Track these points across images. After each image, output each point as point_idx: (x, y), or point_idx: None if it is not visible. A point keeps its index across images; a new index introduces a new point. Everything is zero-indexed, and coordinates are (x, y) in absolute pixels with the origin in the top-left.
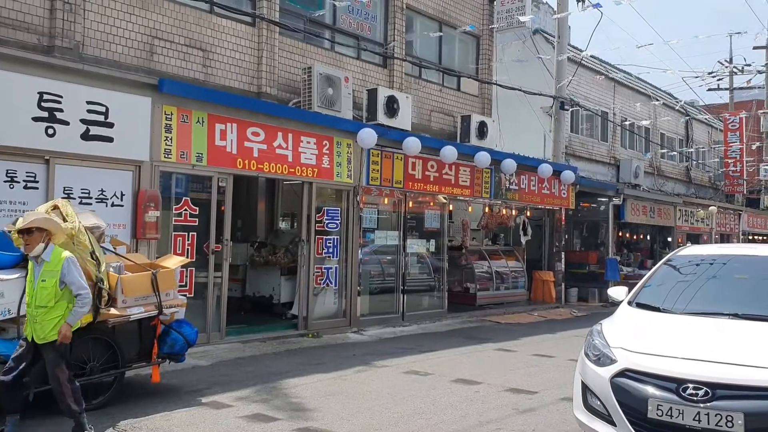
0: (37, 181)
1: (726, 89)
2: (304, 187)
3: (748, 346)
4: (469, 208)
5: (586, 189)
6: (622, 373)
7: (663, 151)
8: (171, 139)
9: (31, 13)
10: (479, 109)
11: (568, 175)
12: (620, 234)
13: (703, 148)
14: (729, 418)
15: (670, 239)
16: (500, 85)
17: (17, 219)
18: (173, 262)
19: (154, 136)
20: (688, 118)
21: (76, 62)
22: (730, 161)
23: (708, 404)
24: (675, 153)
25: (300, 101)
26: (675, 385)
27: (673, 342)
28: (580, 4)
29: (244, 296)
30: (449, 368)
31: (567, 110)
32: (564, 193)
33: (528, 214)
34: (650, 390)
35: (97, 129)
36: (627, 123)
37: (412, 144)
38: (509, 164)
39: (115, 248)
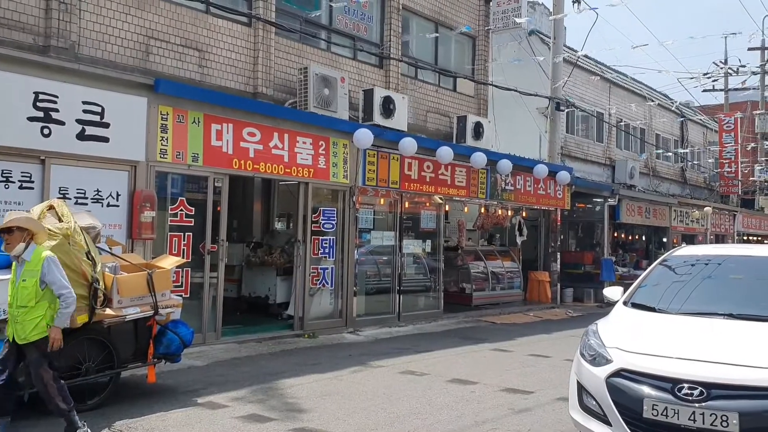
0: (33, 181)
1: (721, 90)
2: (300, 188)
3: (743, 346)
4: (465, 209)
5: (581, 189)
6: (618, 373)
7: (658, 151)
8: (167, 139)
9: (27, 12)
10: (475, 109)
11: (563, 176)
12: (615, 234)
13: (698, 148)
14: (724, 418)
15: (665, 240)
16: (496, 86)
17: None
18: (169, 262)
19: (149, 136)
20: (683, 119)
21: (72, 62)
22: (725, 162)
23: (703, 404)
24: (670, 154)
25: (296, 101)
26: (670, 384)
27: (668, 342)
28: (576, 5)
29: (240, 296)
30: (445, 368)
31: (562, 111)
32: (559, 194)
33: (524, 214)
34: (646, 390)
35: (92, 129)
36: (622, 124)
37: (408, 144)
38: (505, 165)
39: (110, 248)
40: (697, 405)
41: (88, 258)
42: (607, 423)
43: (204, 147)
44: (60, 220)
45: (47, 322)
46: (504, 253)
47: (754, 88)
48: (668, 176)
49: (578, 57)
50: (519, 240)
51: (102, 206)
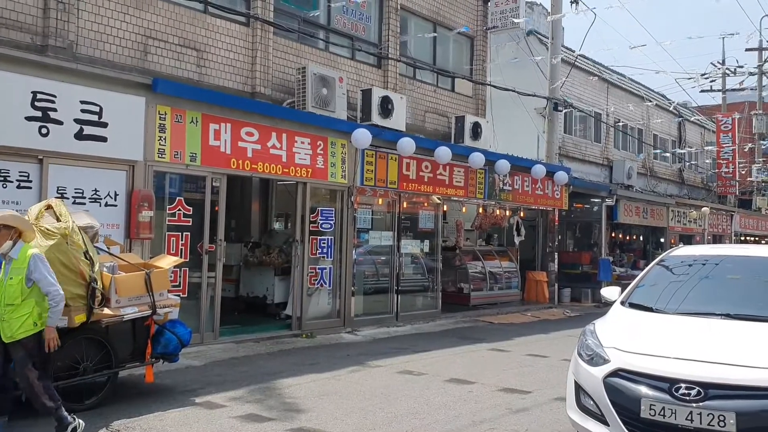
0: (31, 181)
1: (719, 91)
2: (298, 188)
3: (741, 346)
4: (463, 209)
5: (579, 190)
6: (615, 373)
7: (656, 152)
8: (165, 138)
9: (25, 12)
10: (473, 109)
11: (561, 176)
12: (613, 235)
13: (695, 149)
14: (721, 418)
15: (662, 240)
16: (494, 86)
17: None
18: (167, 262)
19: (147, 135)
20: (680, 119)
21: (70, 62)
22: (722, 162)
23: (700, 404)
24: (668, 154)
25: (294, 101)
26: (668, 384)
27: (665, 342)
28: (574, 6)
29: (238, 296)
30: (443, 368)
31: (560, 111)
32: (557, 194)
33: (521, 214)
34: (643, 390)
35: (90, 129)
36: (620, 124)
37: (407, 144)
38: (503, 165)
39: (108, 248)
40: (694, 405)
41: (86, 257)
42: (605, 423)
43: (202, 147)
44: (58, 220)
45: (34, 320)
46: (502, 253)
47: (751, 89)
48: (666, 176)
49: (576, 57)
50: (517, 240)
51: (100, 206)
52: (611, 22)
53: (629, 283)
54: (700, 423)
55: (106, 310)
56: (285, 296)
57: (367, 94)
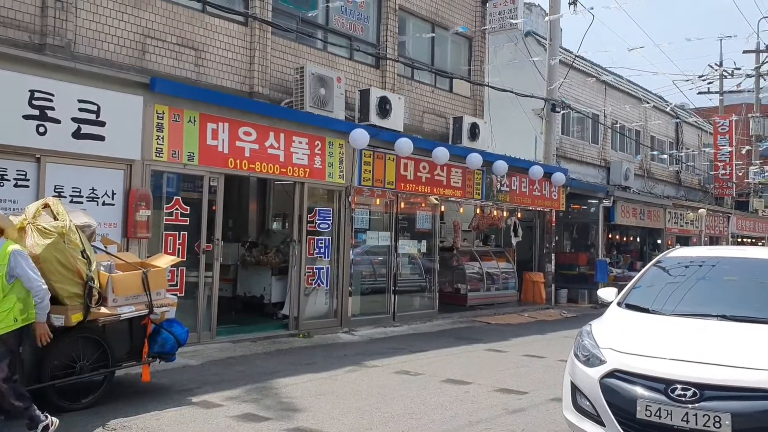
0: (28, 180)
1: (716, 93)
2: (295, 187)
3: (736, 348)
4: (461, 209)
5: (576, 191)
6: (612, 374)
7: (653, 153)
8: (162, 138)
9: (23, 10)
10: (471, 110)
11: (558, 177)
12: (610, 236)
13: (693, 151)
14: (717, 419)
15: (659, 241)
16: (492, 87)
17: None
18: (164, 261)
19: (145, 135)
20: (678, 121)
21: (68, 60)
22: (719, 164)
23: (696, 405)
24: (665, 156)
25: (292, 101)
26: (663, 385)
27: (661, 343)
28: (572, 7)
29: (235, 296)
30: (440, 368)
31: (558, 112)
32: (555, 195)
33: (519, 215)
34: (639, 390)
35: (88, 127)
36: (617, 125)
37: (405, 145)
38: (501, 166)
39: (106, 247)
40: (690, 406)
41: (83, 256)
42: (601, 423)
43: (200, 146)
44: (55, 219)
45: (15, 315)
46: (499, 254)
47: (748, 91)
48: (663, 178)
49: (574, 59)
50: (514, 241)
51: (97, 205)
52: (609, 24)
53: (626, 285)
54: (696, 424)
55: (103, 309)
56: (282, 296)
57: (365, 95)
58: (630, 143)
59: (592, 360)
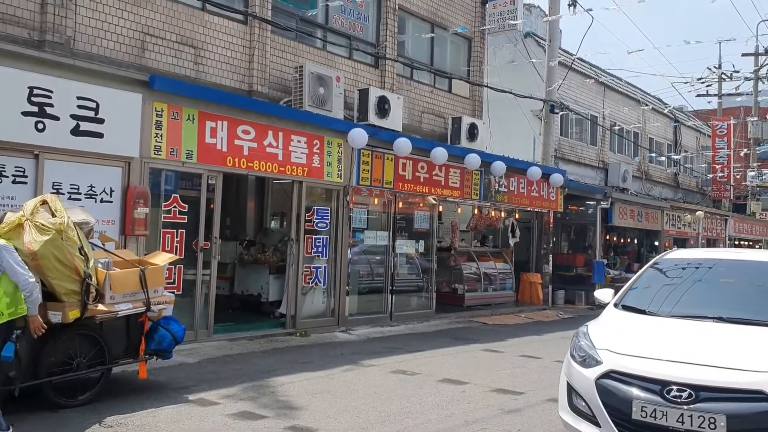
0: (26, 176)
1: (715, 95)
2: (294, 186)
3: (732, 349)
4: (459, 210)
5: (574, 192)
6: (607, 375)
7: (651, 155)
8: (161, 135)
9: (22, 7)
10: (470, 111)
11: (556, 178)
12: (608, 237)
13: (691, 153)
14: (712, 420)
15: (657, 243)
16: (491, 88)
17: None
18: (162, 259)
19: (144, 132)
20: (676, 123)
21: (67, 57)
22: (717, 167)
23: (691, 406)
24: (663, 158)
25: (291, 100)
26: (659, 386)
27: (657, 344)
28: (571, 8)
29: (233, 294)
30: (436, 368)
31: (557, 114)
32: (552, 196)
33: (517, 216)
34: (635, 391)
35: (87, 124)
36: (616, 127)
37: (403, 145)
38: (499, 166)
39: (103, 244)
40: (685, 407)
41: (80, 253)
42: (597, 424)
43: (198, 144)
44: (53, 215)
45: (1, 309)
46: (496, 255)
47: (747, 94)
48: (661, 180)
49: (573, 60)
50: (512, 241)
51: (95, 202)
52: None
53: (623, 286)
54: (691, 425)
55: (101, 306)
56: (279, 295)
57: (364, 94)
58: (628, 145)
59: (588, 361)
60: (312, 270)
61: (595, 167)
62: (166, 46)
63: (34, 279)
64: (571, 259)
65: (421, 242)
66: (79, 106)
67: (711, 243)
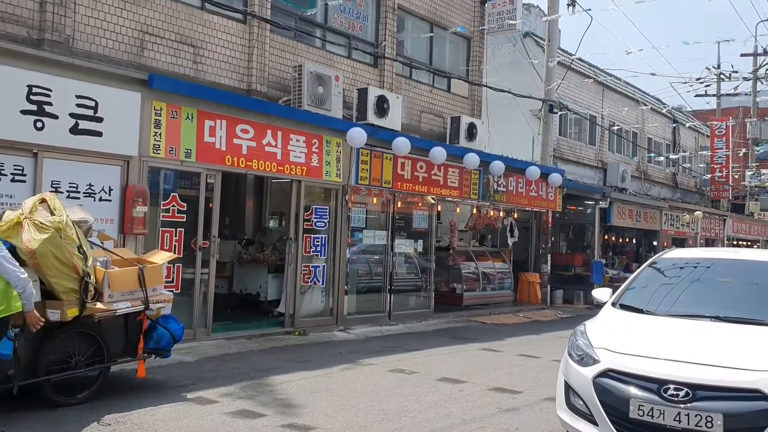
0: (25, 175)
1: (713, 95)
2: (292, 186)
3: (729, 349)
4: (457, 209)
5: (573, 192)
6: (605, 373)
7: (650, 155)
8: (160, 134)
9: (21, 5)
10: (469, 110)
11: (555, 178)
12: (606, 237)
13: (689, 153)
14: (709, 419)
15: (655, 243)
16: (490, 87)
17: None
18: (160, 257)
19: (143, 131)
20: (675, 123)
21: (66, 56)
22: (716, 167)
23: (688, 405)
24: (662, 158)
25: (290, 99)
26: (656, 385)
27: (655, 343)
28: (570, 8)
29: (231, 293)
30: (434, 367)
31: (556, 113)
32: (551, 196)
33: (515, 215)
34: (632, 390)
35: (86, 123)
36: (615, 127)
37: (402, 144)
38: (497, 166)
39: (102, 243)
40: (682, 406)
41: (79, 252)
42: (594, 423)
43: (197, 143)
44: (52, 214)
45: None
46: (495, 254)
47: (746, 94)
48: (659, 180)
49: (572, 60)
50: (510, 241)
51: (94, 200)
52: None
53: (621, 286)
54: (688, 424)
55: (99, 305)
56: (278, 294)
57: (363, 93)
58: (627, 145)
59: (585, 359)
60: (311, 269)
61: (594, 167)
62: (166, 45)
63: (25, 275)
64: (570, 259)
65: (420, 242)
66: (78, 105)
67: (709, 243)
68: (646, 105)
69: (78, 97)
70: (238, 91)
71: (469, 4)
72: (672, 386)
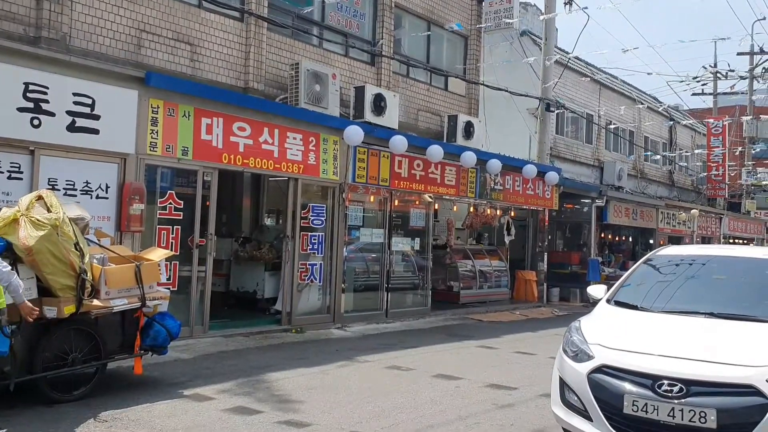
0: (22, 172)
1: (710, 94)
2: (289, 183)
3: (723, 345)
4: (455, 208)
5: (569, 190)
6: (599, 369)
7: (646, 154)
8: (157, 132)
9: (18, 3)
10: (466, 109)
11: (552, 176)
12: (602, 235)
13: (686, 151)
14: (702, 414)
15: (652, 241)
16: (487, 86)
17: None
18: (157, 254)
19: (140, 129)
20: (672, 122)
21: (63, 54)
22: (712, 165)
23: (682, 400)
24: (658, 156)
25: (287, 97)
26: (650, 381)
27: (649, 339)
28: (567, 6)
29: (228, 291)
30: (431, 364)
31: (552, 112)
32: (548, 194)
33: (512, 214)
34: (626, 386)
35: (83, 121)
36: (611, 126)
37: (399, 142)
38: (494, 164)
39: (99, 240)
40: (676, 401)
41: (76, 249)
42: (588, 418)
43: (194, 141)
44: (49, 211)
45: None
46: (492, 252)
47: (742, 93)
48: (656, 178)
49: (569, 59)
50: (507, 239)
51: (91, 198)
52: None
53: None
54: (682, 419)
55: (96, 302)
56: (275, 291)
57: (360, 91)
58: (624, 143)
59: (580, 355)
60: (308, 267)
61: (591, 165)
62: (163, 42)
63: (8, 268)
64: (566, 257)
65: (417, 240)
66: (75, 103)
67: (705, 241)
68: (642, 103)
69: (75, 94)
70: (235, 89)
71: (466, 3)
72: (666, 382)
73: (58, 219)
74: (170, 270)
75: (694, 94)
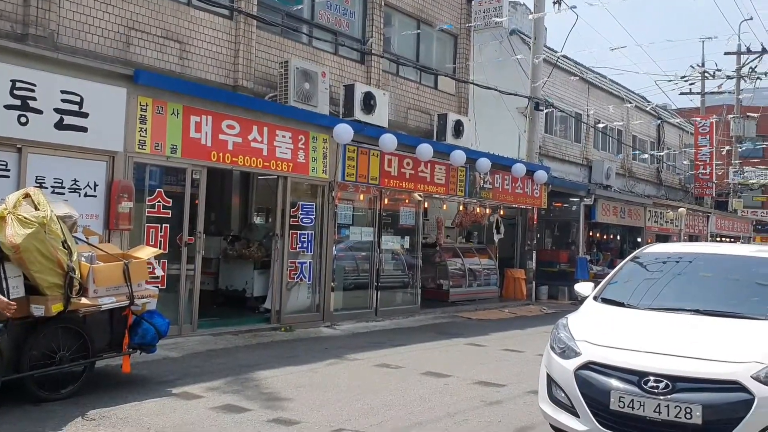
0: (9, 170)
1: (697, 93)
2: (279, 182)
3: (708, 341)
4: (444, 206)
5: (558, 189)
6: (586, 366)
7: (635, 153)
8: (146, 130)
9: (5, 0)
10: (456, 107)
11: (541, 175)
12: (591, 234)
13: (674, 150)
14: (688, 410)
15: (639, 239)
16: (477, 85)
17: None
18: (145, 253)
19: (128, 127)
20: (660, 121)
21: (51, 51)
22: (700, 164)
23: (668, 396)
24: (646, 155)
25: (276, 95)
26: (637, 377)
27: (636, 336)
28: (557, 6)
29: (217, 289)
30: (420, 362)
31: (541, 111)
32: (537, 193)
33: (501, 212)
34: (613, 382)
35: (71, 118)
36: (600, 125)
37: (389, 141)
38: (484, 163)
39: (87, 238)
40: (662, 397)
41: (64, 247)
42: (575, 415)
43: (183, 139)
44: (36, 209)
45: None
46: (481, 251)
47: (729, 92)
48: (644, 177)
49: (558, 58)
50: (496, 238)
51: (79, 196)
52: (593, 24)
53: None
54: (668, 415)
55: (84, 300)
56: (264, 290)
57: (349, 90)
58: (612, 142)
59: (567, 352)
60: (297, 265)
61: (579, 164)
62: (151, 40)
63: None
64: (555, 255)
65: (407, 238)
66: (63, 100)
67: (693, 239)
68: (630, 103)
69: (63, 92)
70: (224, 87)
71: (455, 1)
72: (652, 378)
73: (46, 217)
74: (159, 268)
75: (681, 94)
